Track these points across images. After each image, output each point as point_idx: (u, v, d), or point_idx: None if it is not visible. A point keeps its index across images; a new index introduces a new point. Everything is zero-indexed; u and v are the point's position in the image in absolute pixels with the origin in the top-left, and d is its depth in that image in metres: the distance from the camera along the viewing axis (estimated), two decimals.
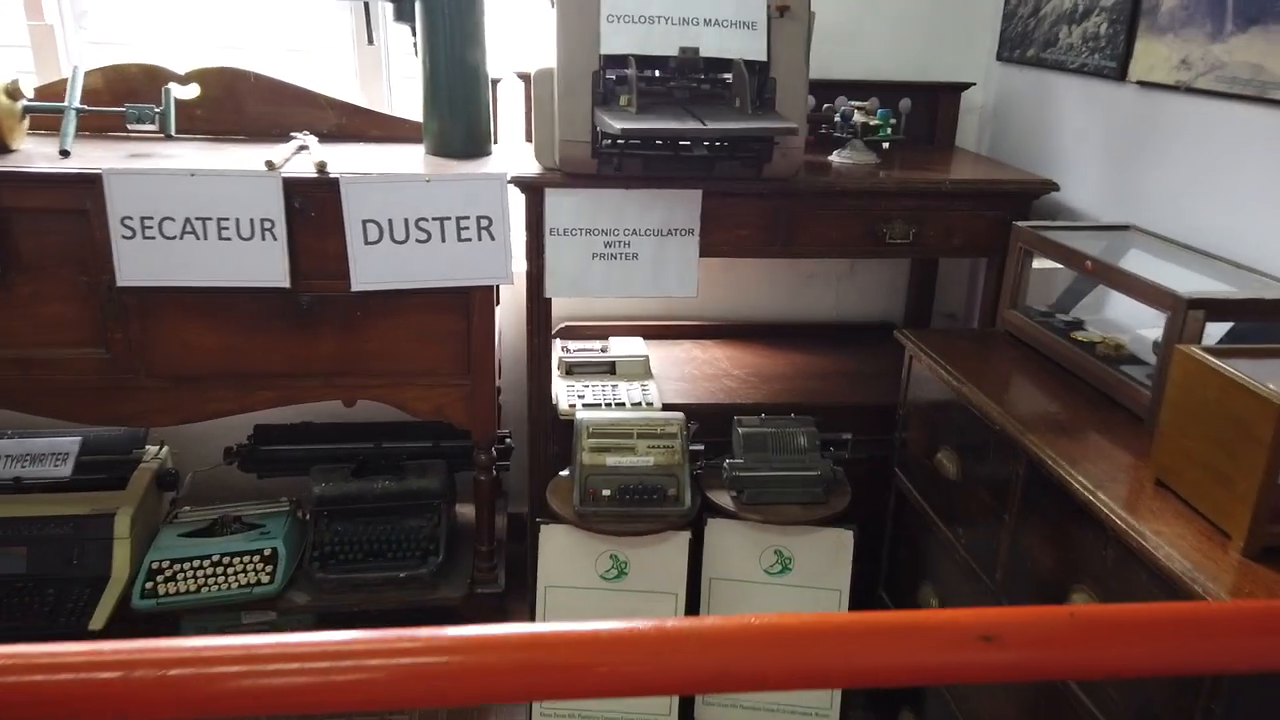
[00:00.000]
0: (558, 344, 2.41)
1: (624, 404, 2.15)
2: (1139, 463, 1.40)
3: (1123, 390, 1.58)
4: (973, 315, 2.73)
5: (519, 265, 2.08)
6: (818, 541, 2.04)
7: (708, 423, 2.18)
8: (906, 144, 2.44)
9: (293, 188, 1.92)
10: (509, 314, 2.49)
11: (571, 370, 2.28)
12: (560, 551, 2.02)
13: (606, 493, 1.96)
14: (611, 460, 1.97)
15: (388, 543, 2.22)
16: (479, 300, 2.05)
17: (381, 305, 2.04)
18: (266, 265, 1.95)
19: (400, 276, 1.99)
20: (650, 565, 2.02)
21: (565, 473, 2.02)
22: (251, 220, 1.93)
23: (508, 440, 2.42)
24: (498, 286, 2.14)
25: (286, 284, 1.96)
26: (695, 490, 2.04)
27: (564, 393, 2.21)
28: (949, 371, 1.75)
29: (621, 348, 2.40)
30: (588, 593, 2.03)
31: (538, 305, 2.11)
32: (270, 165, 1.93)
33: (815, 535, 2.03)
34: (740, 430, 2.08)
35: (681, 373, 2.41)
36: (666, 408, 2.18)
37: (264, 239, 1.94)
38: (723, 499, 2.05)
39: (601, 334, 2.61)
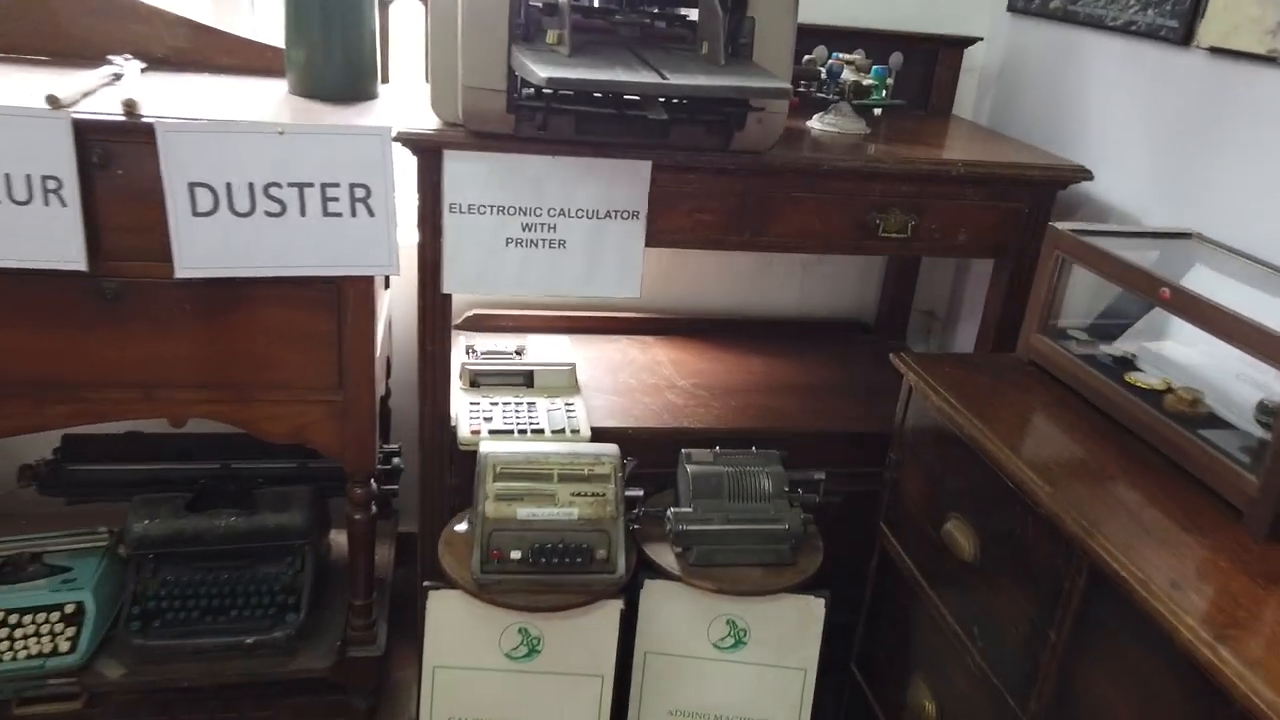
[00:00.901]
0: (460, 340, 1.92)
1: (543, 430, 1.69)
2: (1263, 591, 1.01)
3: (1211, 469, 1.18)
4: (957, 315, 2.33)
5: (410, 249, 1.59)
6: (781, 610, 1.63)
7: (649, 450, 1.74)
8: (895, 110, 2.00)
9: (89, 134, 1.38)
10: (402, 297, 1.98)
11: (477, 381, 1.80)
12: (454, 624, 1.56)
13: (516, 555, 1.51)
14: (524, 512, 1.51)
15: (233, 596, 1.73)
16: (354, 295, 1.55)
17: (220, 298, 1.52)
18: (53, 240, 1.41)
19: (243, 261, 1.48)
20: (570, 642, 1.59)
21: (462, 525, 1.56)
22: (29, 177, 1.38)
23: (395, 460, 1.94)
24: (383, 277, 1.65)
25: (83, 266, 1.43)
26: (631, 546, 1.60)
27: (466, 412, 1.73)
28: (969, 419, 1.34)
29: (541, 351, 1.93)
30: (489, 675, 1.59)
31: (433, 304, 1.62)
32: (55, 101, 1.38)
33: (778, 603, 1.62)
34: (689, 469, 1.64)
35: (616, 383, 1.95)
36: (596, 435, 1.72)
37: (48, 204, 1.40)
38: (664, 556, 1.61)
39: (517, 327, 2.13)
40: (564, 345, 1.96)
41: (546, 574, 1.51)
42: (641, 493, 1.61)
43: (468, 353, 1.89)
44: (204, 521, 1.73)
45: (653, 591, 1.62)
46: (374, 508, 1.74)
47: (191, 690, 1.70)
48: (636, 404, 1.87)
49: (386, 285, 1.91)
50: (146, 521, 1.70)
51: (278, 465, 1.86)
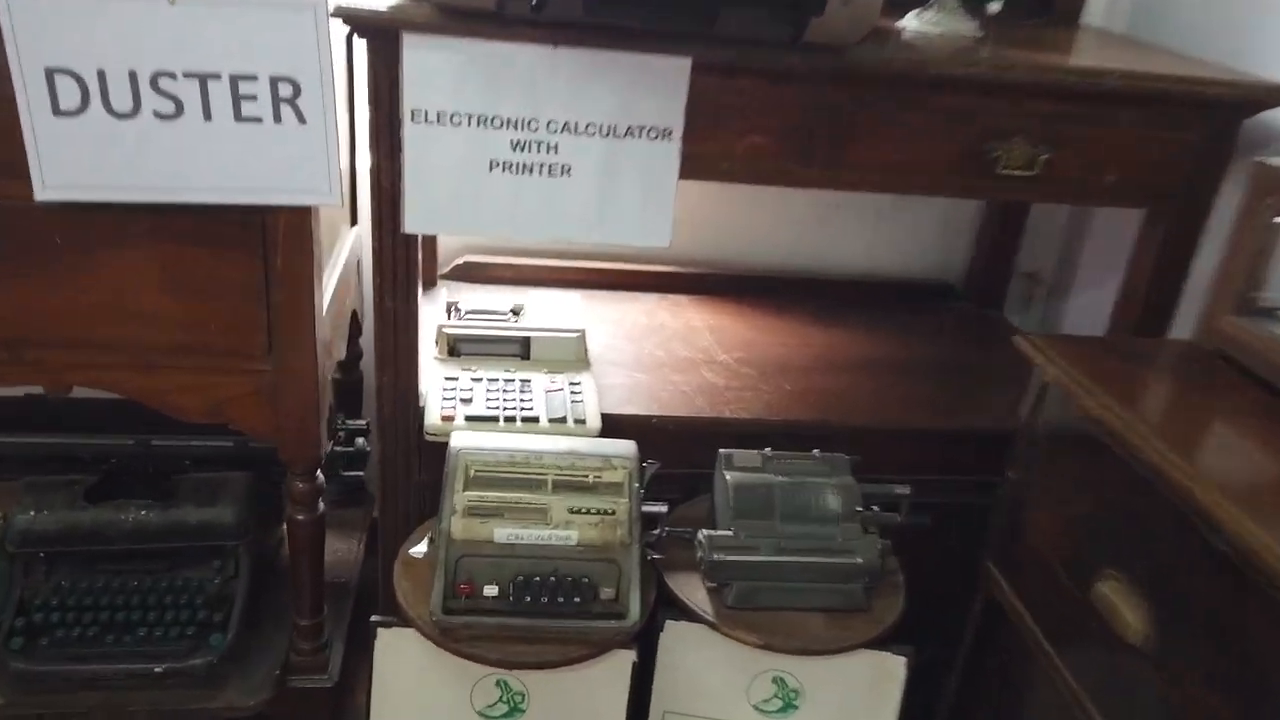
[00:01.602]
0: (442, 294, 1.51)
1: (537, 419, 1.28)
2: None
3: None
4: (1069, 280, 1.87)
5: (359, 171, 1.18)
6: (847, 669, 1.23)
7: (677, 446, 1.33)
8: (1011, 10, 1.53)
9: None
10: None
11: (457, 349, 1.40)
12: (411, 672, 1.18)
13: (491, 591, 1.12)
14: (504, 533, 1.12)
15: (143, 609, 1.36)
16: (284, 232, 1.15)
17: (102, 230, 1.13)
18: None
19: (124, 180, 1.08)
20: (565, 700, 1.20)
21: (421, 547, 1.16)
22: None
23: (360, 441, 1.55)
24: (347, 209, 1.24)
25: None
26: (649, 579, 1.20)
27: (439, 389, 1.33)
28: (1147, 438, 0.91)
29: (545, 312, 1.51)
30: None
31: (392, 248, 1.21)
32: None
33: (844, 659, 1.22)
34: (729, 478, 1.24)
35: (638, 355, 1.54)
36: (609, 425, 1.32)
37: None
38: (694, 590, 1.22)
39: (518, 279, 1.72)
40: (574, 304, 1.55)
41: (532, 617, 1.12)
42: (665, 508, 1.20)
43: (449, 311, 1.49)
44: (106, 514, 1.35)
45: (676, 636, 1.23)
46: (321, 505, 1.36)
47: None
48: (663, 384, 1.46)
49: (353, 220, 1.50)
50: (33, 513, 1.34)
51: (211, 444, 1.48)
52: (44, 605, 1.34)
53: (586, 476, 1.17)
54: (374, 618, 1.18)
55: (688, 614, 1.20)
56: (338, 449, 1.55)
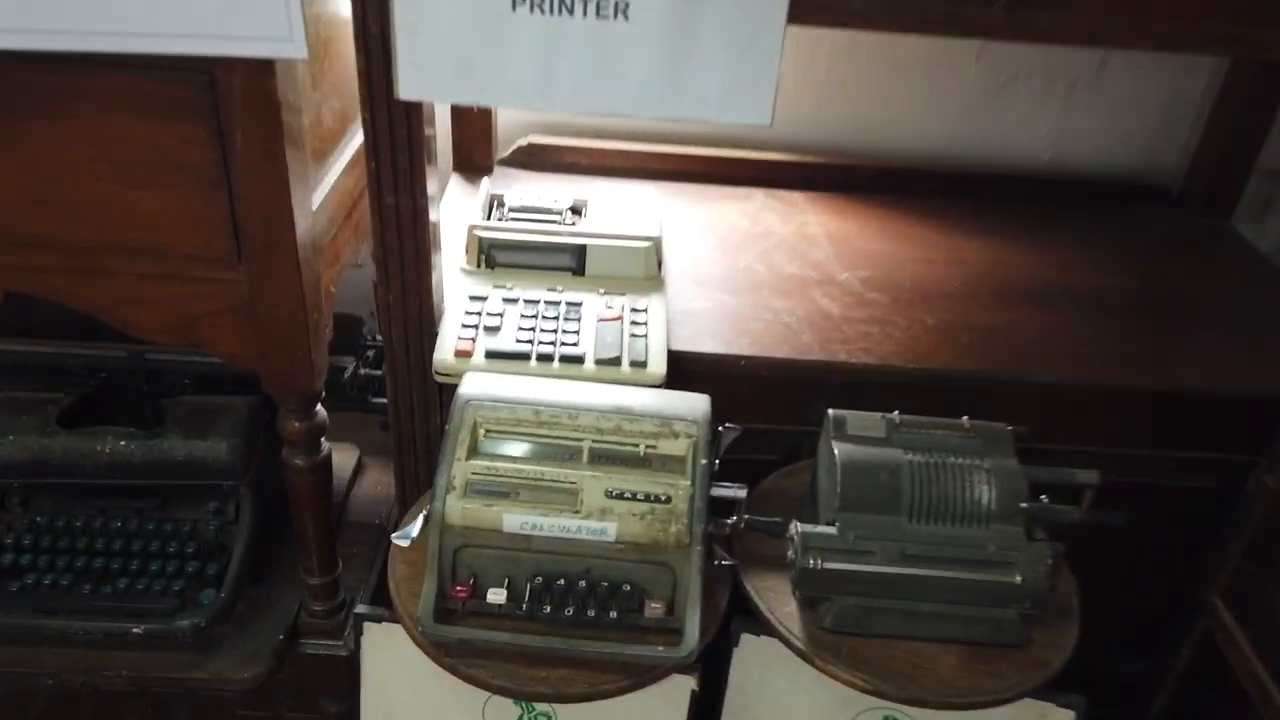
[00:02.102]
0: (483, 189, 1.19)
1: (581, 358, 0.96)
2: None
3: None
4: None
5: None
6: (992, 716, 0.89)
7: (768, 398, 1.00)
8: None
9: None
10: None
11: (493, 258, 1.08)
12: (407, 676, 0.92)
13: (498, 595, 0.82)
14: (517, 520, 0.81)
15: (126, 555, 1.15)
16: (243, 95, 0.84)
17: (15, 94, 0.85)
18: None
19: (32, 21, 0.79)
20: None
21: (415, 528, 0.87)
22: None
23: (364, 362, 1.28)
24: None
25: None
26: (718, 583, 0.88)
27: (459, 311, 1.02)
28: None
29: (612, 210, 1.16)
30: None
31: (386, 118, 0.89)
32: None
33: (988, 711, 0.88)
34: (837, 451, 0.89)
35: (730, 272, 1.18)
36: (676, 368, 0.99)
37: None
38: (779, 599, 0.90)
39: (591, 165, 1.38)
40: (650, 200, 1.19)
41: (553, 634, 0.82)
42: (744, 491, 0.87)
43: (489, 207, 1.16)
44: (80, 443, 1.13)
45: (754, 654, 0.92)
46: (323, 447, 1.09)
47: (56, 692, 1.17)
48: (759, 312, 1.10)
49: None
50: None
51: (216, 359, 1.23)
52: (15, 544, 1.14)
53: (637, 446, 0.85)
54: (359, 608, 0.91)
55: (768, 629, 0.89)
56: (366, 371, 1.29)
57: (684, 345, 1.03)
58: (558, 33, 0.81)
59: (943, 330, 1.09)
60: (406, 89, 0.84)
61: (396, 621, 0.88)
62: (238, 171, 0.89)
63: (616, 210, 1.15)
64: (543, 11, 0.80)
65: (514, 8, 0.80)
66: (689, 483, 0.83)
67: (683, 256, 1.20)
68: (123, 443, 1.13)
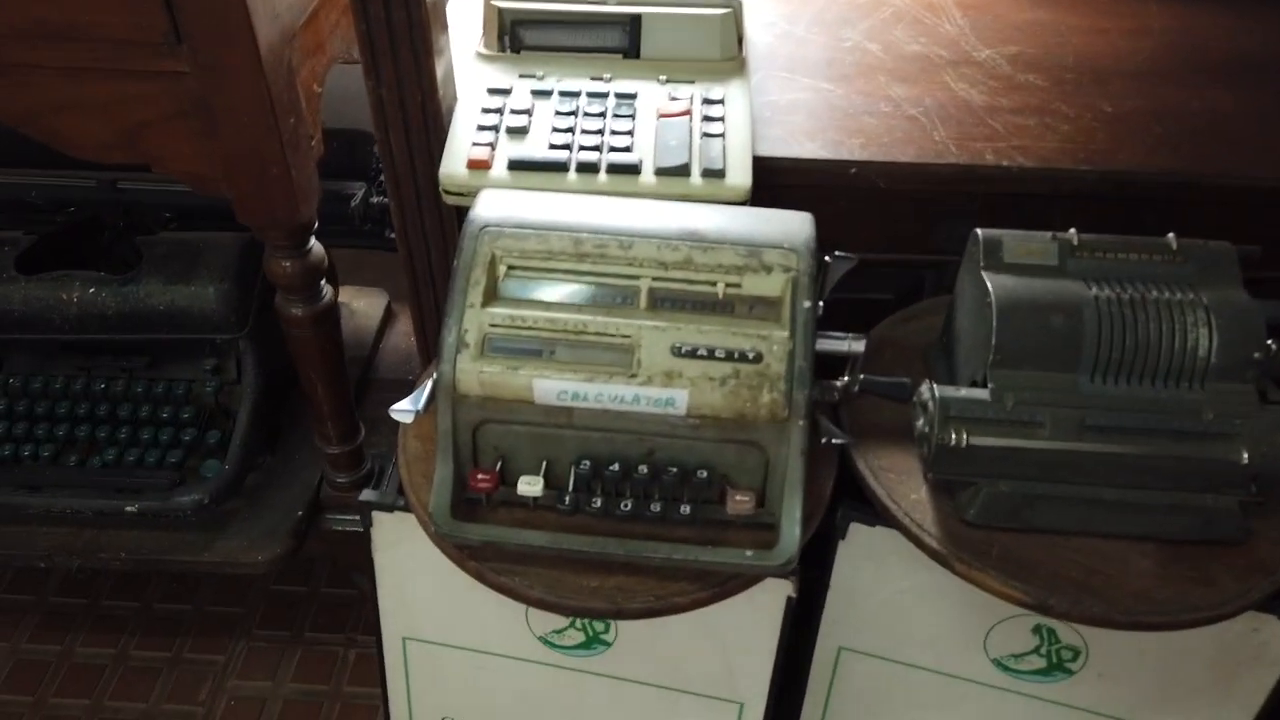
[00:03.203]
0: None
1: (636, 165, 0.71)
2: None
3: None
4: None
5: None
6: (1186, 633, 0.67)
7: (893, 220, 0.76)
8: None
9: None
10: None
11: (517, 38, 0.81)
12: (431, 574, 0.74)
13: (533, 485, 0.62)
14: (551, 388, 0.60)
15: (113, 422, 0.99)
16: None
17: None
18: None
19: None
20: (676, 638, 0.73)
21: (419, 399, 0.66)
22: None
23: (376, 188, 1.05)
24: None
25: None
26: (817, 462, 0.66)
27: (474, 109, 0.77)
28: None
29: None
30: (509, 666, 0.78)
31: None
32: None
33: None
34: (992, 288, 0.64)
35: (833, 50, 0.90)
36: (767, 180, 0.73)
37: None
38: (905, 485, 0.68)
39: None
40: None
41: (608, 531, 0.62)
42: (862, 345, 0.63)
43: None
44: (42, 291, 0.95)
45: (864, 547, 0.71)
46: (325, 294, 0.88)
47: (46, 573, 1.03)
48: (875, 103, 0.83)
49: None
50: None
51: None
52: None
53: (713, 284, 0.61)
54: (365, 493, 0.72)
55: (889, 519, 0.67)
56: (379, 199, 1.06)
57: (773, 148, 0.77)
58: None
59: (1125, 120, 0.81)
60: None
61: (409, 509, 0.69)
62: None
63: None
64: None
65: None
66: (786, 334, 0.59)
67: (770, 34, 0.92)
68: (92, 290, 0.95)
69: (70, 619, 1.16)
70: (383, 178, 1.08)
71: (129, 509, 0.95)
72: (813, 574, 0.73)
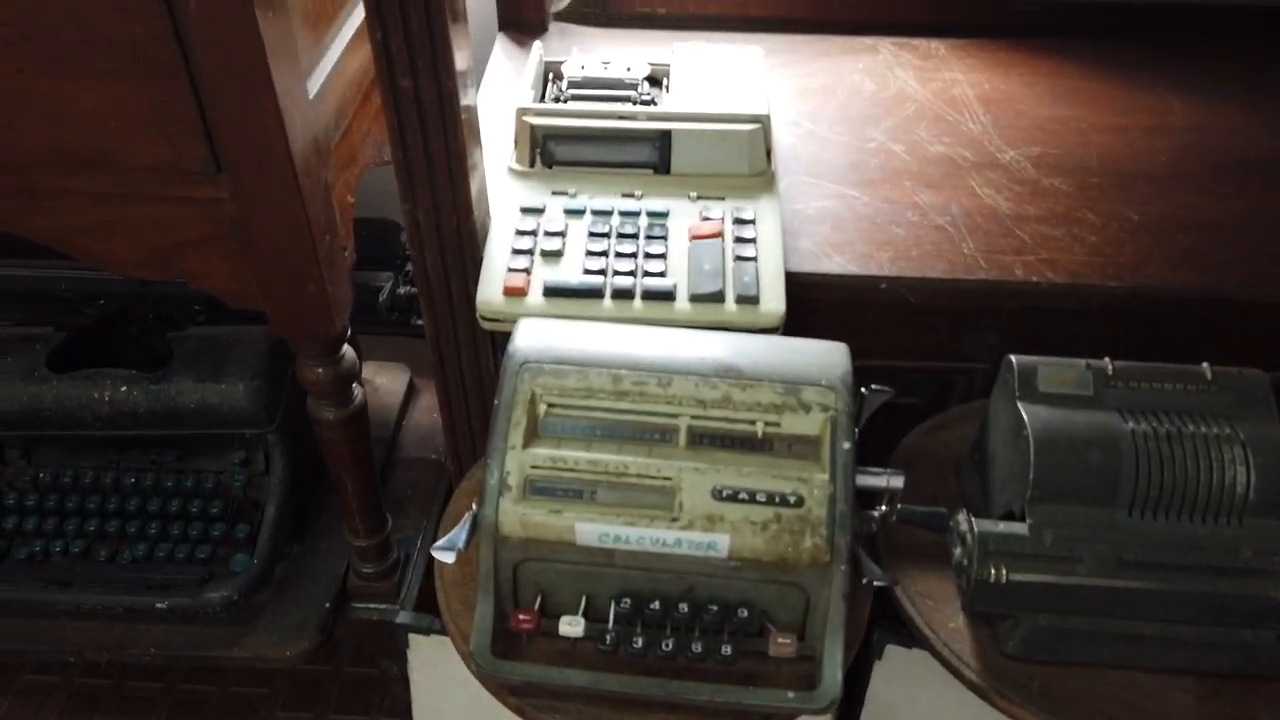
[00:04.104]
0: (534, 57, 0.91)
1: (671, 291, 0.72)
2: None
3: None
4: None
5: None
6: None
7: (924, 333, 0.76)
8: None
9: None
10: None
11: (549, 153, 0.82)
12: (466, 698, 0.74)
13: (574, 625, 0.62)
14: (593, 531, 0.60)
15: (143, 517, 0.99)
16: None
17: None
18: None
19: None
20: None
21: (459, 535, 0.66)
22: None
23: (403, 278, 1.06)
24: None
25: None
26: (861, 597, 0.66)
27: (509, 230, 0.77)
28: None
29: (702, 77, 0.88)
30: None
31: None
32: None
33: None
34: (1028, 419, 0.65)
35: (858, 153, 0.91)
36: (799, 294, 0.74)
37: None
38: (943, 613, 0.68)
39: (672, 18, 1.09)
40: (752, 62, 0.91)
41: (649, 670, 0.62)
42: (900, 480, 0.64)
43: (545, 82, 0.90)
44: (74, 390, 0.95)
45: (901, 669, 0.71)
46: (356, 395, 0.89)
47: (73, 670, 1.03)
48: (901, 211, 0.84)
49: None
50: None
51: None
52: (18, 504, 0.99)
53: (752, 424, 0.61)
54: (402, 616, 0.73)
55: (925, 645, 0.67)
56: (406, 289, 1.07)
57: (803, 263, 0.78)
58: None
59: (1152, 229, 0.82)
60: None
61: (446, 634, 0.69)
62: (198, 50, 0.65)
63: (708, 79, 0.88)
64: None
65: None
66: (826, 476, 0.60)
67: (794, 134, 0.93)
68: (124, 388, 0.95)
69: (96, 701, 1.17)
70: (408, 266, 1.09)
71: (159, 605, 0.95)
72: (848, 691, 0.74)
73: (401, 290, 1.06)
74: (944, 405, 0.84)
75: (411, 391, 1.27)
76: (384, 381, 1.27)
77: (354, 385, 0.89)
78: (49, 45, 0.65)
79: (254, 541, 0.99)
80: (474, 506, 0.64)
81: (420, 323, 1.05)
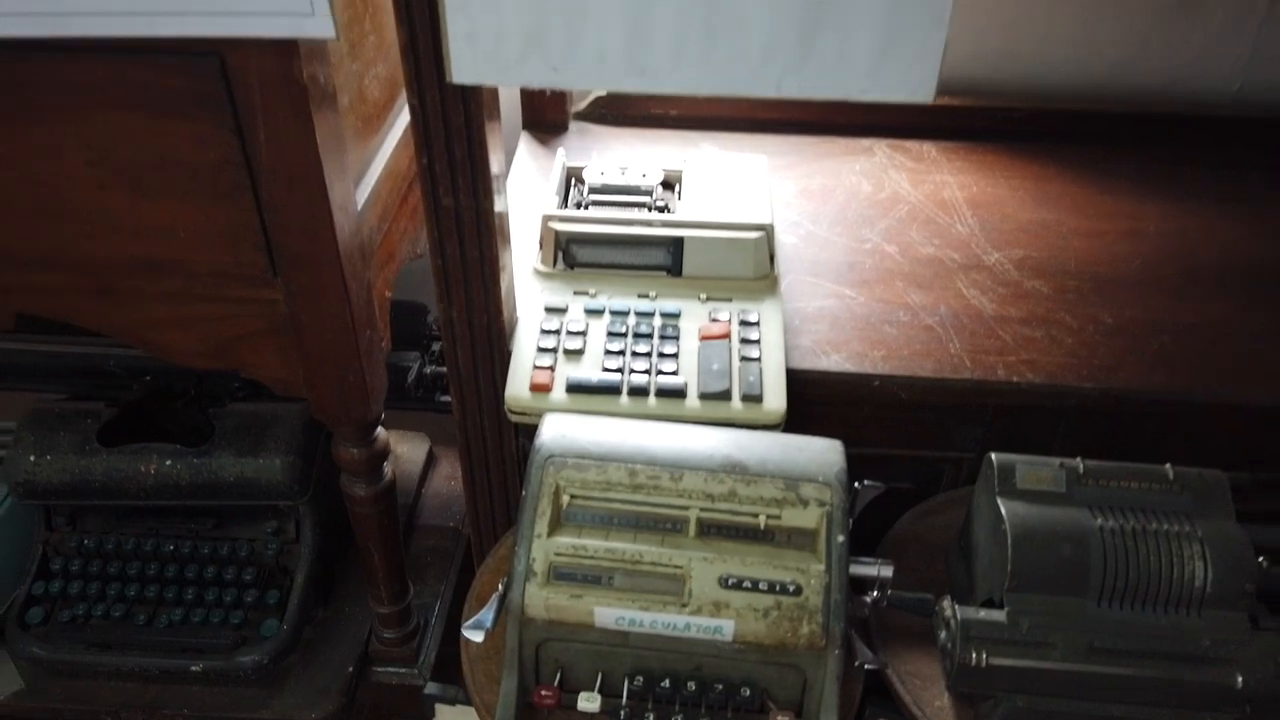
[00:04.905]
0: (558, 163, 1.00)
1: (682, 390, 0.79)
2: None
3: None
4: None
5: None
6: None
7: (912, 425, 0.83)
8: None
9: None
10: None
11: (571, 255, 0.90)
12: None
13: (591, 704, 0.68)
14: (611, 615, 0.66)
15: (180, 583, 1.05)
16: (261, 83, 0.68)
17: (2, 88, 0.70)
18: None
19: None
20: None
21: (486, 617, 0.72)
22: None
23: (429, 358, 1.13)
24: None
25: None
26: (854, 676, 0.72)
27: (534, 329, 0.85)
28: None
29: (706, 185, 0.97)
30: None
31: (439, 102, 0.71)
32: None
33: None
34: (1007, 515, 0.71)
35: (854, 255, 0.99)
36: (798, 389, 0.81)
37: None
38: (929, 692, 0.74)
39: (686, 118, 1.18)
40: (758, 171, 0.99)
41: None
42: (890, 570, 0.70)
43: (567, 186, 0.98)
44: (122, 463, 1.02)
45: None
46: (386, 473, 0.96)
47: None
48: (894, 311, 0.91)
49: None
50: (33, 457, 1.02)
51: None
52: (63, 570, 1.05)
53: (756, 516, 0.68)
54: (429, 688, 0.79)
55: None
56: (433, 369, 1.14)
57: (804, 360, 0.85)
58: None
59: (1125, 332, 0.89)
60: (460, 71, 0.66)
61: (471, 704, 0.75)
62: (264, 174, 0.73)
63: (717, 187, 0.96)
64: None
65: None
66: (822, 568, 0.66)
67: (795, 235, 1.00)
68: (169, 462, 1.02)
69: None
70: (435, 346, 1.17)
71: (193, 668, 1.01)
72: None
73: (428, 370, 1.13)
74: (934, 490, 0.91)
75: (431, 460, 1.34)
76: (405, 450, 1.34)
77: (385, 464, 0.96)
78: (130, 167, 0.73)
79: (283, 607, 1.05)
80: (500, 588, 0.70)
81: (444, 399, 1.14)
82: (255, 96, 0.69)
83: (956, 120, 1.16)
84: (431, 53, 0.67)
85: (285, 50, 0.66)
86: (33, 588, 1.04)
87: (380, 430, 0.93)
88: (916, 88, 0.64)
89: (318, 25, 0.63)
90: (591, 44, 0.64)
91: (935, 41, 0.62)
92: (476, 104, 0.71)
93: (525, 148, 1.14)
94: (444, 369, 1.11)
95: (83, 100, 0.69)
